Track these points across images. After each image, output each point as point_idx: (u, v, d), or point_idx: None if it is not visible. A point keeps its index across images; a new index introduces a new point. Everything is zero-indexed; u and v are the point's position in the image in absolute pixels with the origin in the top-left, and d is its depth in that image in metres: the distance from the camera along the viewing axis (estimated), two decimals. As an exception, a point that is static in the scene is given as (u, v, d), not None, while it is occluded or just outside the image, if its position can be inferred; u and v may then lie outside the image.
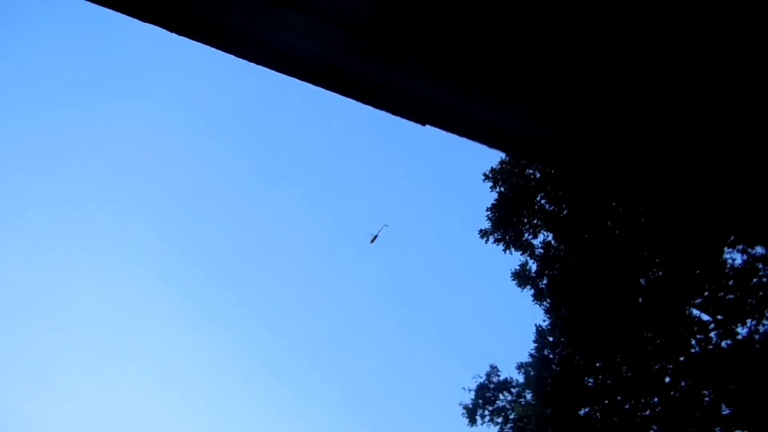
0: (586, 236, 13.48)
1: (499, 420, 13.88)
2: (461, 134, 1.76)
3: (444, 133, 1.72)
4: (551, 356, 13.19)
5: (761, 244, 13.82)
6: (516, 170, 13.32)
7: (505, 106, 1.56)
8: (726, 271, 14.39)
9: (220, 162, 52.04)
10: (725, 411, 13.76)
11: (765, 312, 14.28)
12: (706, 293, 14.41)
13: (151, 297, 52.13)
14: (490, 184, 13.69)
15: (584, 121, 1.52)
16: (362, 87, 1.57)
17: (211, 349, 52.40)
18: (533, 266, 13.79)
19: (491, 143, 1.83)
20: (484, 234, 13.68)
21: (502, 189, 13.49)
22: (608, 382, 13.58)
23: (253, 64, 1.49)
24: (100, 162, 49.27)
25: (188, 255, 56.12)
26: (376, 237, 21.36)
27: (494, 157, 14.07)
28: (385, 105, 1.68)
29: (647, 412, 13.92)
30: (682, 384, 14.05)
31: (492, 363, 14.30)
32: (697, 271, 14.42)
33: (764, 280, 14.10)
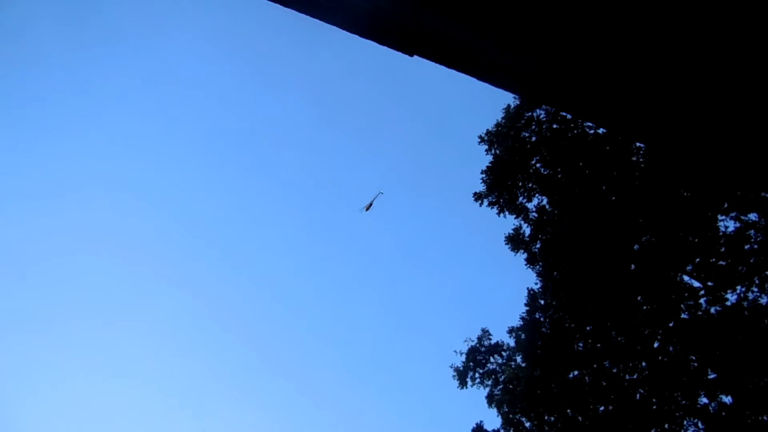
0: (581, 200, 13.36)
1: (489, 382, 13.97)
2: (460, 69, 1.80)
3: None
4: (542, 319, 13.21)
5: (754, 211, 13.81)
6: (512, 133, 13.11)
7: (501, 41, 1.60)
8: (718, 238, 14.41)
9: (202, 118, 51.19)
10: (711, 376, 13.93)
11: (755, 279, 14.34)
12: (698, 260, 14.43)
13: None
14: (486, 147, 13.48)
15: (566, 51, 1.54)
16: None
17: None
18: (527, 230, 13.71)
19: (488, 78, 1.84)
20: (478, 197, 13.53)
21: (497, 152, 13.29)
22: (597, 345, 13.66)
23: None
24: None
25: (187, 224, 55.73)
26: (371, 205, 21.18)
27: (490, 119, 13.81)
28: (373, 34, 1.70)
29: (635, 376, 14.05)
30: (670, 349, 14.16)
31: (484, 327, 14.33)
32: (690, 238, 14.41)
33: (756, 247, 14.12)
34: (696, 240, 14.27)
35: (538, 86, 1.73)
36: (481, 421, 13.57)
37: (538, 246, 13.46)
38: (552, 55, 1.56)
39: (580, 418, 13.35)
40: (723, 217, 14.53)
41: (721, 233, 14.32)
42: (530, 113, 13.06)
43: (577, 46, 1.53)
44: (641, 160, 13.66)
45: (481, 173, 13.31)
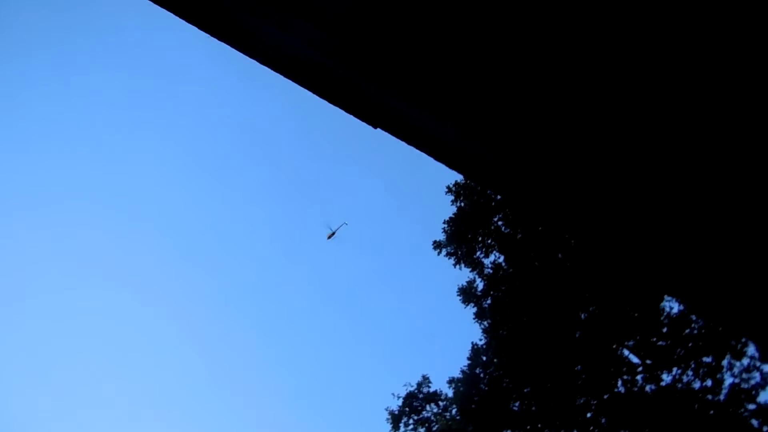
0: (536, 264, 13.65)
1: (422, 430, 13.94)
2: (406, 140, 1.88)
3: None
4: (482, 375, 13.31)
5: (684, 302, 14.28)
6: (478, 188, 13.39)
7: (446, 121, 1.65)
8: (662, 318, 14.85)
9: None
10: (638, 453, 14.18)
11: (691, 363, 14.78)
12: (640, 337, 14.82)
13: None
14: (452, 197, 13.72)
15: (506, 138, 1.60)
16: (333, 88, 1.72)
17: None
18: (480, 285, 13.90)
19: (430, 152, 1.90)
20: (437, 246, 13.71)
21: (462, 204, 13.54)
22: (533, 408, 13.79)
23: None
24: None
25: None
26: (334, 233, 21.19)
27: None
28: (342, 104, 1.81)
29: (565, 443, 14.20)
30: (602, 421, 14.40)
31: (425, 373, 14.36)
32: (635, 314, 14.81)
33: (695, 332, 14.58)
34: (640, 317, 14.68)
35: (496, 177, 1.80)
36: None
37: (488, 302, 13.65)
38: (513, 150, 1.61)
39: (506, 479, 13.41)
40: (669, 298, 15.00)
41: (665, 314, 14.77)
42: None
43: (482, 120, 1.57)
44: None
45: (444, 223, 13.53)
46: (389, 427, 14.02)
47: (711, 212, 1.50)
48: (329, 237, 21.38)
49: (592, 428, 14.30)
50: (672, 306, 14.90)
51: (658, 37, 1.30)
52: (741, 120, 1.36)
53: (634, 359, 14.84)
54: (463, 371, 13.45)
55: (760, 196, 1.44)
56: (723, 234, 1.51)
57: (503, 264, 13.87)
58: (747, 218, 1.47)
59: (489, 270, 13.82)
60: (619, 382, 14.59)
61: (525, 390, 13.74)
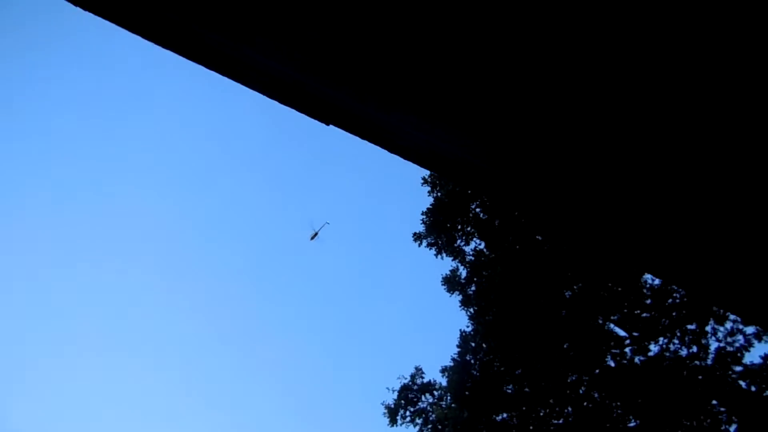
0: (516, 247, 13.86)
1: (419, 421, 14.06)
2: (384, 148, 1.87)
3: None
4: (472, 361, 13.48)
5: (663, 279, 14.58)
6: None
7: (422, 126, 1.64)
8: (644, 290, 15.14)
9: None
10: (632, 423, 14.42)
11: (677, 332, 15.08)
12: (625, 310, 15.09)
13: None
14: (428, 188, 13.89)
15: (489, 143, 1.60)
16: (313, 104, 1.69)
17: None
18: (463, 273, 14.08)
19: (410, 158, 1.93)
20: (417, 237, 13.87)
21: (439, 194, 13.71)
22: (526, 389, 13.98)
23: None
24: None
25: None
26: (316, 234, 21.28)
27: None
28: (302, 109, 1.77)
29: (560, 421, 14.40)
30: (595, 395, 14.63)
31: (417, 365, 14.48)
32: (618, 288, 15.08)
33: (677, 301, 14.88)
34: (623, 291, 14.95)
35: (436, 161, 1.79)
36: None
37: (472, 289, 13.82)
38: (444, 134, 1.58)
39: (504, 461, 13.56)
40: (650, 271, 15.28)
41: (647, 286, 15.06)
42: (472, 160, 13.56)
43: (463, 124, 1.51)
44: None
45: (422, 214, 13.70)
46: (386, 421, 14.12)
47: (685, 195, 1.54)
48: (312, 238, 21.48)
49: (585, 404, 14.52)
50: (654, 278, 15.20)
51: (643, 38, 1.35)
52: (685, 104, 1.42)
53: (621, 332, 15.11)
54: (453, 359, 13.60)
55: (732, 175, 1.48)
56: (698, 215, 1.55)
57: (484, 250, 14.06)
58: (722, 197, 1.51)
59: (471, 257, 14.01)
60: (608, 357, 14.84)
61: (516, 372, 13.93)
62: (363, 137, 1.81)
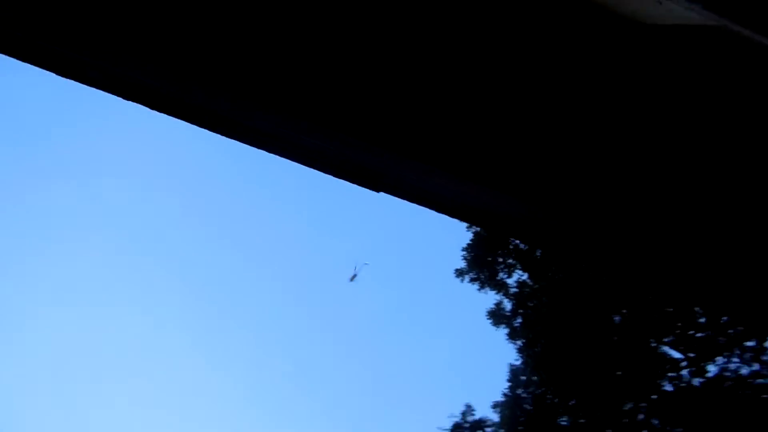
0: (560, 276, 13.75)
1: (474, 459, 13.97)
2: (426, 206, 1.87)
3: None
4: (524, 395, 13.36)
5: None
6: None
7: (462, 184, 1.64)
8: (696, 309, 14.72)
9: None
10: (696, 449, 13.97)
11: (734, 350, 14.58)
12: (678, 331, 14.70)
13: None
14: (467, 224, 13.95)
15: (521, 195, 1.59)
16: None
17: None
18: (508, 305, 14.03)
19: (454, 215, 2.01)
20: (459, 273, 13.94)
21: (478, 229, 13.76)
22: (581, 420, 13.74)
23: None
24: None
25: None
26: (355, 275, 21.53)
27: (470, 196, 14.35)
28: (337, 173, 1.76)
29: (620, 451, 14.08)
30: (655, 422, 14.25)
31: (467, 402, 14.42)
32: (669, 309, 14.72)
33: (732, 317, 14.41)
34: (675, 311, 14.58)
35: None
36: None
37: (519, 321, 13.75)
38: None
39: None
40: (701, 288, 14.87)
41: (699, 306, 14.65)
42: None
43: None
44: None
45: (462, 250, 13.77)
46: (441, 461, 14.06)
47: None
48: (351, 279, 21.77)
49: (644, 431, 14.16)
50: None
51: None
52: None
53: (676, 354, 14.71)
54: (504, 394, 13.51)
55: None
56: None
57: (528, 281, 14.00)
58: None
59: (514, 289, 13.96)
60: (665, 381, 14.45)
61: (570, 403, 13.72)
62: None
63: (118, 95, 1.49)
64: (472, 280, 13.84)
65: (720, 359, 14.56)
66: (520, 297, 13.74)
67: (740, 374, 14.45)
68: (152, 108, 1.53)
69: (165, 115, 1.53)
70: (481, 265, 13.72)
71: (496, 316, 13.88)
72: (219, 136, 1.60)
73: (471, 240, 13.76)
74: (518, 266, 13.90)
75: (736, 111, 1.52)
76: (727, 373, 14.54)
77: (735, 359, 14.56)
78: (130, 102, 1.44)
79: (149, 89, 1.51)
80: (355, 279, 21.38)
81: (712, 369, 14.61)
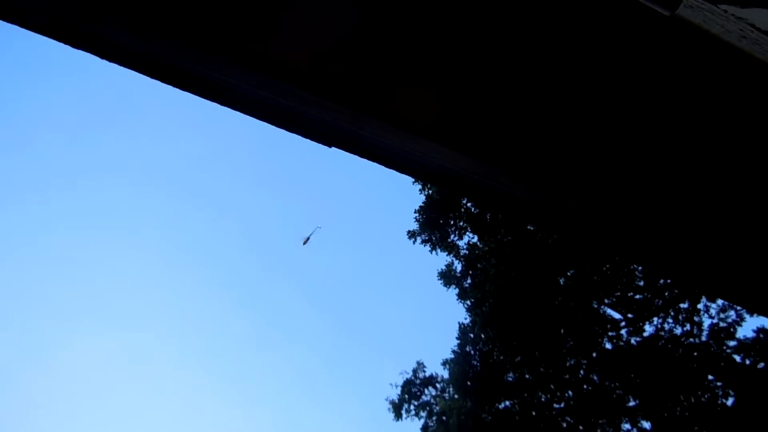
0: (508, 238, 14.17)
1: (424, 414, 14.38)
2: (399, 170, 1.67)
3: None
4: (472, 352, 13.79)
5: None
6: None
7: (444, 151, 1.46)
8: (636, 272, 15.48)
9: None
10: (631, 403, 14.78)
11: (670, 311, 15.43)
12: (618, 293, 15.43)
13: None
14: (420, 186, 14.17)
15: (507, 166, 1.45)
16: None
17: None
18: (458, 266, 14.39)
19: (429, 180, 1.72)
20: (412, 235, 14.17)
21: (430, 192, 14.00)
22: (526, 376, 14.31)
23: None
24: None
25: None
26: (308, 239, 21.52)
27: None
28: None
29: (561, 405, 14.74)
30: (595, 378, 14.98)
31: (419, 359, 14.80)
32: (610, 272, 15.42)
33: (669, 281, 15.21)
34: (615, 274, 15.28)
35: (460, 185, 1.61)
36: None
37: (468, 281, 14.13)
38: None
39: (509, 447, 13.90)
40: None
41: (639, 268, 15.40)
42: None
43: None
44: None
45: (415, 212, 14.00)
46: (391, 416, 14.44)
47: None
48: (304, 243, 21.72)
49: (585, 387, 14.87)
50: (644, 259, 15.50)
51: None
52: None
53: (616, 315, 15.47)
54: (454, 351, 13.92)
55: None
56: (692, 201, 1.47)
57: (478, 243, 14.37)
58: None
59: (465, 251, 14.32)
60: (605, 339, 15.18)
61: (516, 360, 14.26)
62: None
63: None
64: (423, 242, 14.12)
65: (656, 320, 15.42)
66: (470, 258, 14.11)
67: (674, 334, 15.32)
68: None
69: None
70: (433, 227, 13.99)
71: (447, 276, 14.23)
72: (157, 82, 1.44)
73: (423, 202, 14.00)
74: (469, 229, 14.24)
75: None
76: (663, 333, 15.40)
77: (670, 320, 15.44)
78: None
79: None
80: (308, 242, 21.43)
81: (648, 329, 15.48)
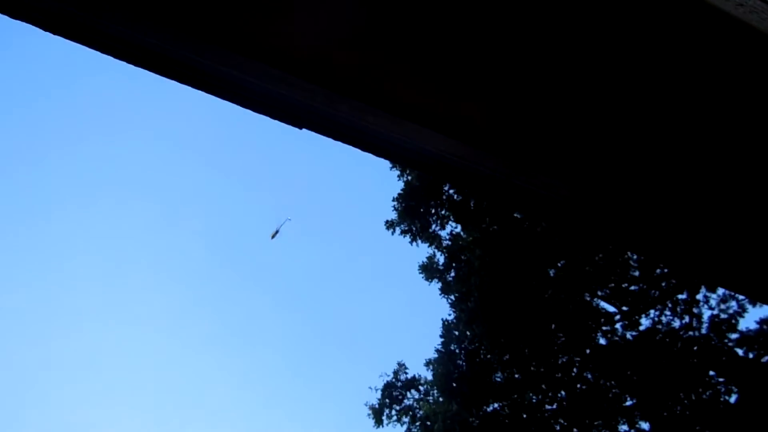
0: (494, 227, 13.18)
1: (406, 419, 13.35)
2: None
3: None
4: (457, 351, 12.79)
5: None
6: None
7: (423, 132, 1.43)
8: (631, 262, 14.56)
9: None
10: (628, 402, 13.86)
11: (667, 303, 14.53)
12: (612, 285, 14.51)
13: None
14: (398, 173, 13.15)
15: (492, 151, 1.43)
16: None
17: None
18: (441, 258, 13.36)
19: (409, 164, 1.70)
20: (390, 225, 13.11)
21: (409, 178, 12.97)
22: (516, 376, 13.33)
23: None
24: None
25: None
26: (277, 232, 20.39)
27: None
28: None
29: (554, 406, 13.79)
30: (588, 376, 14.03)
31: (400, 360, 13.76)
32: (603, 262, 14.49)
33: (666, 271, 14.32)
34: (609, 264, 14.36)
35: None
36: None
37: (452, 275, 13.12)
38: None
39: (499, 453, 12.90)
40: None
41: (633, 258, 14.47)
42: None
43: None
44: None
45: (393, 200, 12.94)
46: (371, 422, 13.37)
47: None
48: (273, 236, 20.57)
49: (579, 386, 13.92)
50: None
51: None
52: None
53: (610, 308, 14.53)
54: (437, 350, 12.90)
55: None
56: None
57: (461, 233, 13.37)
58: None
59: (447, 242, 13.30)
60: (599, 334, 14.24)
61: (504, 359, 13.27)
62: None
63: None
64: (403, 233, 13.05)
65: (653, 312, 14.51)
66: (453, 250, 13.09)
67: (672, 327, 14.43)
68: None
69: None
70: (412, 217, 12.95)
71: (429, 270, 13.20)
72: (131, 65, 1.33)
73: (402, 189, 12.95)
74: (451, 218, 13.22)
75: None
76: (660, 326, 14.50)
77: (667, 312, 14.54)
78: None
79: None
80: (277, 236, 20.24)
81: (645, 322, 14.56)
